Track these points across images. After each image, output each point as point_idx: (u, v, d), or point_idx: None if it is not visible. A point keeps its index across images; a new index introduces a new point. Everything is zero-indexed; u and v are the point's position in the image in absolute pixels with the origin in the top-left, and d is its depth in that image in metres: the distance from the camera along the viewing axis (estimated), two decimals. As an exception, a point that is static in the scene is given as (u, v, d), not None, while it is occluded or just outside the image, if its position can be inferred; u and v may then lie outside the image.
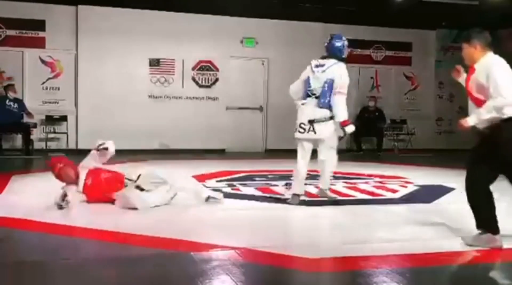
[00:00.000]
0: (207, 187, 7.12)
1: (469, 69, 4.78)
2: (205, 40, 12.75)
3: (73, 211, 5.72)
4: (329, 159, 6.40)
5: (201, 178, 8.29)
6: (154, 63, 12.60)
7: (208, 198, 6.23)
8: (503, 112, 4.31)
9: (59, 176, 6.06)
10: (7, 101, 11.32)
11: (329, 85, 6.10)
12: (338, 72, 6.18)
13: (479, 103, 4.51)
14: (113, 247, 4.42)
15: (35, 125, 11.73)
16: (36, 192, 6.88)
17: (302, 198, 6.44)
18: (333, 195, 6.71)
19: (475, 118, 4.56)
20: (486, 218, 4.50)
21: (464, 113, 5.05)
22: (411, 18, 13.56)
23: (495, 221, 4.47)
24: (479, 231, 4.53)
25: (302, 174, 6.30)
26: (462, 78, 4.97)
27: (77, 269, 3.90)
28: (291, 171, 8.40)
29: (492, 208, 4.51)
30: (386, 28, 14.06)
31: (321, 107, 6.12)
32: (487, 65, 4.53)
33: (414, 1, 12.34)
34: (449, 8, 12.84)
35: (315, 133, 6.16)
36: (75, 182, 6.01)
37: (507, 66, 4.61)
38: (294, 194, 6.30)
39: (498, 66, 4.51)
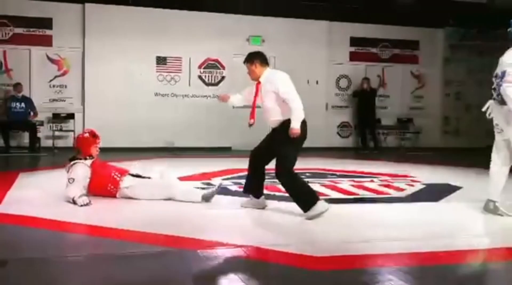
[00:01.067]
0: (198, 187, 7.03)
1: None
2: (211, 38, 12.76)
3: (78, 208, 5.74)
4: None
5: (207, 176, 8.30)
6: (161, 61, 12.62)
7: (206, 197, 6.17)
8: None
9: (81, 141, 6.33)
10: (13, 102, 11.37)
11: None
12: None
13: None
14: (120, 244, 4.43)
15: (41, 123, 11.79)
16: (42, 189, 6.91)
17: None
18: None
19: None
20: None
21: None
22: (419, 16, 13.53)
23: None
24: None
25: None
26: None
27: (82, 266, 3.91)
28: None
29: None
30: (393, 26, 14.02)
31: None
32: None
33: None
34: (457, 6, 12.81)
35: None
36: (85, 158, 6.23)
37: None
38: None
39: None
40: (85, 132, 6.54)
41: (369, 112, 13.45)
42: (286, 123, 5.35)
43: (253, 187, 5.91)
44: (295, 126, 5.27)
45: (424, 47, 14.56)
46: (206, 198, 6.19)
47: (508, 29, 6.42)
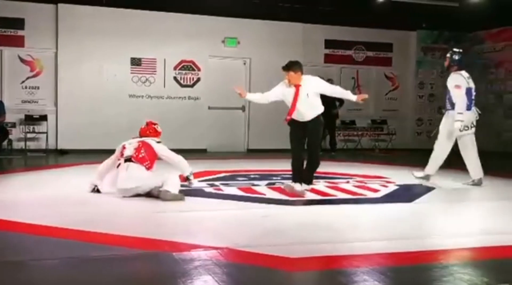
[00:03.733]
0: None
1: None
2: (187, 40, 12.72)
3: (50, 210, 5.67)
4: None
5: (182, 178, 8.25)
6: (136, 62, 12.53)
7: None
8: None
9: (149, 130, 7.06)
10: None
11: None
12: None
13: None
14: (94, 247, 4.38)
15: (13, 125, 11.62)
16: (17, 191, 6.82)
17: (285, 198, 6.57)
18: None
19: None
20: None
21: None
22: (392, 19, 13.69)
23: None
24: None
25: None
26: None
27: (56, 269, 3.86)
28: (273, 170, 8.47)
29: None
30: (368, 29, 14.16)
31: None
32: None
33: (395, 2, 12.45)
34: (430, 9, 12.99)
35: None
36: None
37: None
38: None
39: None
40: (153, 124, 7.32)
41: (329, 113, 13.39)
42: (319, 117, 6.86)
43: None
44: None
45: (398, 50, 14.73)
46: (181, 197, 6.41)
47: (447, 55, 8.01)
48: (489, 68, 14.69)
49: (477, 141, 7.95)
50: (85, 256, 4.14)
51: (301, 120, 6.77)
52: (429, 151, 14.15)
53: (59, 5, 11.91)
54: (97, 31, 12.10)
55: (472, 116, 7.84)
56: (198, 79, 13.00)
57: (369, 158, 12.19)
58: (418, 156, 13.07)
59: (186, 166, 7.09)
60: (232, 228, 5.24)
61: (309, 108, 6.75)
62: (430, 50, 14.90)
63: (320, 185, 7.77)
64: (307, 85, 6.73)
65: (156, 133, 7.17)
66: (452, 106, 7.79)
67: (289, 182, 7.01)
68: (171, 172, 6.70)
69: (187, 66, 12.92)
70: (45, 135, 11.87)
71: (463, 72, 7.92)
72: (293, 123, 6.81)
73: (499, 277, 3.97)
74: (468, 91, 7.83)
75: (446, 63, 8.06)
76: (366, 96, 7.11)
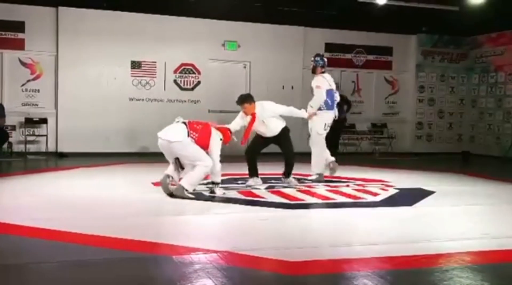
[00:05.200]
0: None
1: None
2: (187, 43, 12.73)
3: (50, 213, 5.67)
4: None
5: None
6: (136, 65, 12.54)
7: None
8: None
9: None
10: None
11: None
12: None
13: None
14: (93, 250, 4.38)
15: (13, 128, 11.62)
16: (16, 194, 6.81)
17: (285, 201, 6.56)
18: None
19: None
20: None
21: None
22: (392, 23, 13.70)
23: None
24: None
25: None
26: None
27: (55, 272, 3.85)
28: (273, 174, 8.49)
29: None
30: (368, 32, 14.17)
31: None
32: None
33: (395, 6, 12.46)
34: (430, 13, 13.00)
35: None
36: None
37: None
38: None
39: None
40: (231, 133, 7.43)
41: (337, 117, 13.38)
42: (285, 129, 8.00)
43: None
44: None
45: (398, 53, 14.73)
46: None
47: (312, 59, 8.77)
48: (488, 72, 14.70)
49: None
50: (84, 259, 4.14)
51: (264, 136, 7.97)
52: (430, 154, 14.20)
53: (60, 8, 11.92)
54: (97, 34, 12.10)
55: (331, 116, 8.56)
56: (198, 83, 13.00)
57: (369, 162, 12.19)
58: (417, 160, 13.12)
59: (218, 175, 7.11)
60: (232, 232, 5.24)
61: (269, 129, 7.87)
62: (430, 54, 14.90)
63: (320, 188, 7.78)
64: (262, 112, 7.74)
65: (227, 136, 7.30)
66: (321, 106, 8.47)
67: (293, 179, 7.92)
68: (201, 168, 6.77)
69: (187, 69, 12.93)
70: (45, 138, 11.87)
71: (326, 75, 8.65)
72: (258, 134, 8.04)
73: (499, 281, 3.97)
74: (329, 92, 8.48)
75: (311, 67, 8.78)
76: (314, 113, 8.23)
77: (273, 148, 8.06)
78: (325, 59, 8.78)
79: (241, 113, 7.89)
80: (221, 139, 7.09)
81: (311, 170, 8.58)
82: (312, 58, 8.80)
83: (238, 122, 7.93)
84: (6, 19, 11.68)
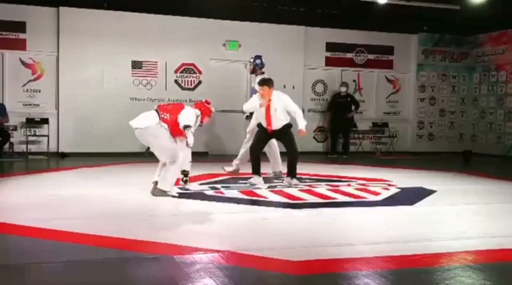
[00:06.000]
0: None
1: None
2: (188, 43, 12.73)
3: (51, 213, 5.67)
4: None
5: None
6: (137, 65, 12.54)
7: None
8: None
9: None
10: None
11: None
12: None
13: None
14: (94, 250, 4.38)
15: (15, 128, 11.63)
16: (18, 194, 6.82)
17: (286, 201, 6.59)
18: None
19: None
20: None
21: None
22: (393, 22, 13.69)
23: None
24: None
25: None
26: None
27: (57, 272, 3.86)
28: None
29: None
30: (369, 31, 14.15)
31: None
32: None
33: (396, 5, 12.45)
34: (431, 12, 12.98)
35: None
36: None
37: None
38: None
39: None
40: (207, 103, 7.32)
41: (344, 117, 13.50)
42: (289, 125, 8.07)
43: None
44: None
45: (399, 53, 14.71)
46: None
47: (250, 61, 9.25)
48: (490, 71, 14.69)
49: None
50: (86, 259, 4.14)
51: (268, 129, 8.02)
52: (431, 154, 14.19)
53: (61, 8, 11.92)
54: (98, 34, 12.10)
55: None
56: (199, 82, 12.99)
57: (371, 161, 12.19)
58: (418, 159, 13.11)
59: (187, 162, 7.21)
60: (233, 231, 5.24)
61: (275, 119, 7.93)
62: (431, 53, 14.89)
63: (321, 188, 7.78)
64: (276, 101, 7.93)
65: (206, 113, 7.25)
66: None
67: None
68: (172, 165, 6.79)
69: (188, 69, 12.92)
70: (46, 138, 11.87)
71: (265, 75, 8.84)
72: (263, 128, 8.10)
73: (500, 280, 3.97)
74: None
75: (250, 68, 9.25)
76: (304, 133, 8.03)
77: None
78: (264, 62, 9.15)
79: (257, 95, 8.09)
80: (198, 116, 7.05)
81: (272, 168, 8.82)
82: (252, 60, 9.14)
83: (252, 103, 8.13)
84: (7, 19, 11.68)
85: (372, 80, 14.60)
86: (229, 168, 8.96)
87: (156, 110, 6.88)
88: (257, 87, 8.33)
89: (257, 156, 8.08)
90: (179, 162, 6.89)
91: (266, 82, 7.99)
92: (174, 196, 6.72)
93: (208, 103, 7.35)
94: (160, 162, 7.04)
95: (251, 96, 8.82)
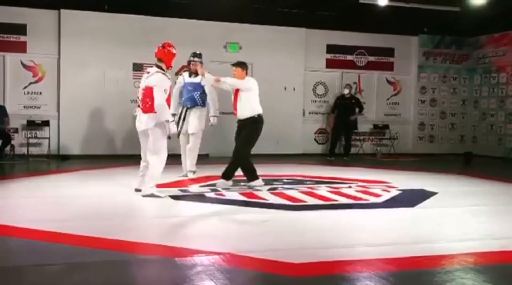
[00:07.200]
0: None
1: None
2: (189, 45, 12.68)
3: (51, 216, 5.67)
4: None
5: (184, 183, 8.28)
6: (138, 68, 12.54)
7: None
8: None
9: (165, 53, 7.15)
10: None
11: None
12: None
13: None
14: (94, 252, 4.38)
15: (16, 130, 11.63)
16: (19, 197, 6.82)
17: (287, 203, 6.58)
18: None
19: None
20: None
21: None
22: (394, 24, 13.68)
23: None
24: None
25: None
26: None
27: (56, 275, 3.85)
28: (275, 175, 8.49)
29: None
30: (369, 33, 14.16)
31: None
32: None
33: (396, 7, 12.46)
34: (431, 14, 12.98)
35: None
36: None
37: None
38: None
39: None
40: (169, 46, 7.30)
41: (348, 118, 13.48)
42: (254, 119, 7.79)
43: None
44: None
45: (399, 55, 14.71)
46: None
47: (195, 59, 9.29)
48: (490, 73, 14.68)
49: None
50: (86, 261, 4.14)
51: (238, 119, 7.98)
52: (432, 155, 14.19)
53: (62, 10, 11.93)
54: (99, 36, 12.11)
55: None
56: (200, 84, 12.97)
57: (371, 163, 12.18)
58: (419, 161, 13.11)
59: (166, 112, 7.07)
60: (234, 233, 5.24)
61: (240, 106, 7.90)
62: (431, 54, 14.89)
63: (322, 190, 7.77)
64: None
65: (170, 55, 7.28)
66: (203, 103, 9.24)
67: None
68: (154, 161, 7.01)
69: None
70: (47, 140, 11.87)
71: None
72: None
73: (502, 282, 3.97)
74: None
75: (197, 67, 8.87)
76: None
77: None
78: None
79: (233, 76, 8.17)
80: (165, 79, 7.06)
81: (188, 167, 8.83)
82: (197, 58, 9.31)
83: (228, 81, 8.21)
84: (8, 22, 11.68)
85: (372, 82, 14.60)
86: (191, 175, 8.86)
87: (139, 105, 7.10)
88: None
89: (250, 163, 7.84)
90: (164, 159, 7.09)
91: (237, 64, 8.16)
92: (160, 196, 6.83)
93: (170, 46, 7.35)
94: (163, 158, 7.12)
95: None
